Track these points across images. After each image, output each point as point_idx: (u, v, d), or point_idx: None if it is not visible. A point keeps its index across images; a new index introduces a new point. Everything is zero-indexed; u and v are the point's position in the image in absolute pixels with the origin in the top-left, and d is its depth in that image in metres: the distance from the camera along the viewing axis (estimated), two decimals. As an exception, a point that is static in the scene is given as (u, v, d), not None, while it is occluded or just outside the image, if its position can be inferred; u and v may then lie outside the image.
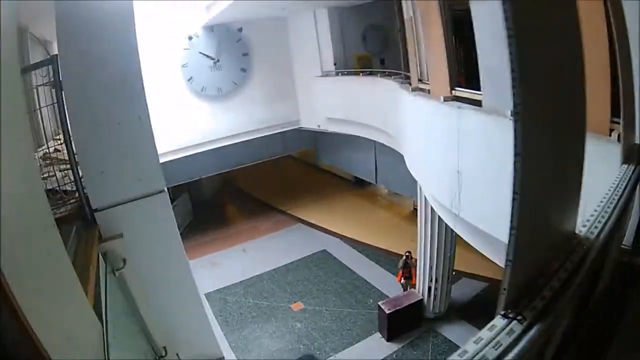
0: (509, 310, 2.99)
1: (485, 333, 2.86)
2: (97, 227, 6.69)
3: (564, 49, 3.32)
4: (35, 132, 8.20)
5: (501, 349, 2.73)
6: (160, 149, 17.81)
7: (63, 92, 6.31)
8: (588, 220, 4.06)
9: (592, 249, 3.63)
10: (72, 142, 6.54)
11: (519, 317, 2.92)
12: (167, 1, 17.83)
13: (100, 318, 4.67)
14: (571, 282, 3.25)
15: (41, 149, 8.30)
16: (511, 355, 2.70)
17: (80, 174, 6.71)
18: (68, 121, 6.43)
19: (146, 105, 7.17)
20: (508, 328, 2.89)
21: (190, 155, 20.54)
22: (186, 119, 20.21)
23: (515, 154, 2.81)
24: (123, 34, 6.88)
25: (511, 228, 2.97)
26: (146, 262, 7.42)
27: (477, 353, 2.68)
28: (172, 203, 22.50)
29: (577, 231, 3.91)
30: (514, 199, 2.91)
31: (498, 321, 2.97)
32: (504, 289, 3.02)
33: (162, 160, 18.35)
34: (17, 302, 2.50)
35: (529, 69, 2.74)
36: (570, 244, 3.73)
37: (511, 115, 7.19)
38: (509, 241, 2.99)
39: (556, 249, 3.62)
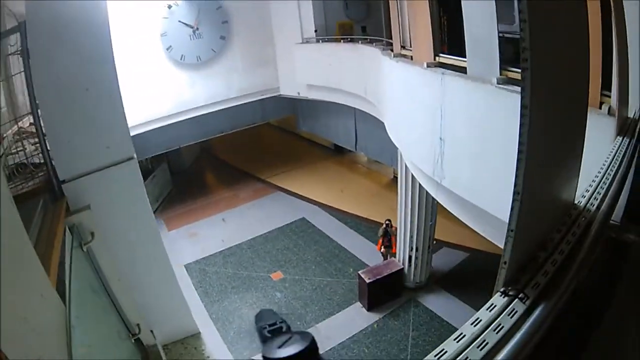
0: (510, 287, 2.81)
1: (484, 313, 2.66)
2: (64, 200, 6.53)
3: (570, 13, 3.17)
4: (10, 106, 8.01)
5: (502, 332, 2.52)
6: (138, 119, 17.68)
7: (30, 60, 6.12)
8: (587, 191, 3.94)
9: (594, 221, 3.48)
10: (39, 111, 6.37)
11: (520, 295, 2.73)
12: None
13: (63, 297, 4.51)
14: (574, 257, 3.07)
15: (17, 123, 8.11)
16: (514, 340, 2.46)
17: (48, 145, 6.53)
18: (34, 89, 6.26)
19: (115, 71, 6.98)
20: (510, 308, 2.69)
21: (169, 125, 20.31)
22: (165, 88, 19.99)
23: (523, 107, 2.60)
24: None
25: (515, 193, 2.78)
26: (116, 234, 7.29)
27: (476, 337, 2.49)
28: (151, 174, 22.42)
29: (576, 201, 3.77)
30: (519, 158, 2.68)
31: (498, 299, 2.78)
32: (505, 263, 2.82)
33: (140, 130, 18.30)
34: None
35: (537, 18, 2.57)
36: (570, 214, 3.59)
37: (498, 83, 7.10)
38: (512, 208, 2.79)
39: (556, 219, 3.47)
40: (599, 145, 4.95)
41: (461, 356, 2.42)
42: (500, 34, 7.48)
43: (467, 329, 2.58)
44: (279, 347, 11.83)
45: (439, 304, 15.98)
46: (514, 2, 7.62)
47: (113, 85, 7.00)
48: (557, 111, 3.09)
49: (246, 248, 21.03)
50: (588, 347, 3.17)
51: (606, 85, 5.87)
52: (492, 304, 2.75)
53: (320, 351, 14.01)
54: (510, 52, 7.52)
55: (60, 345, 4.10)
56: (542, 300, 2.70)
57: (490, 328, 2.57)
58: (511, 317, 2.62)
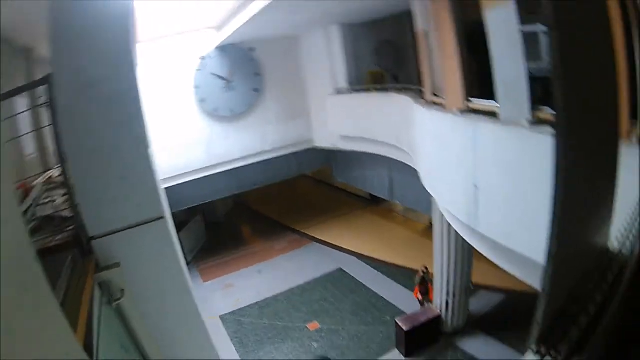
0: (542, 345, 2.70)
1: None
2: (93, 256, 6.53)
3: (599, 48, 3.13)
4: (42, 154, 8.10)
5: None
6: (173, 172, 17.90)
7: (57, 112, 6.19)
8: (620, 233, 3.81)
9: (628, 265, 3.30)
10: (68, 166, 6.42)
11: (552, 353, 2.63)
12: (178, 22, 17.70)
13: (91, 354, 4.51)
14: (609, 306, 2.90)
15: (47, 172, 8.21)
16: None
17: (77, 200, 6.58)
18: (63, 143, 6.31)
19: (145, 128, 7.02)
20: None
21: (203, 177, 20.53)
22: (199, 141, 20.23)
23: (558, 169, 2.56)
24: (120, 52, 6.66)
25: (549, 255, 2.72)
26: (146, 292, 7.23)
27: None
28: (185, 225, 22.54)
29: (610, 245, 3.68)
30: (553, 221, 2.64)
31: (530, 357, 2.69)
32: (537, 322, 2.76)
33: (175, 182, 18.53)
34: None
35: (569, 67, 2.55)
36: (603, 261, 3.40)
37: (529, 124, 7.06)
38: (546, 269, 2.73)
39: (589, 267, 3.31)
40: (631, 179, 4.87)
41: None
42: (529, 72, 7.42)
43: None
44: None
45: (478, 347, 15.81)
46: (540, 37, 7.62)
47: (144, 144, 6.99)
48: (591, 159, 3.04)
49: (282, 299, 21.00)
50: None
51: (632, 112, 5.72)
52: (525, 364, 2.62)
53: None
54: (538, 91, 7.47)
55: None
56: (574, 355, 2.61)
57: (522, 388, 2.46)
58: (544, 377, 2.48)
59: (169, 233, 7.68)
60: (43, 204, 7.19)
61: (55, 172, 8.31)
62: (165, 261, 7.64)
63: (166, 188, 15.74)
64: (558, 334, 2.76)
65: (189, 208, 22.55)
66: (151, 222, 7.23)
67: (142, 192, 7.14)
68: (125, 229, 6.94)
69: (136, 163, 6.98)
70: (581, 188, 2.86)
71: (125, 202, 6.93)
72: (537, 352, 2.70)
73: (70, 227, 6.67)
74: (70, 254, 6.13)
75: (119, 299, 6.41)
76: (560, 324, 2.84)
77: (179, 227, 22.27)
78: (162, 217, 7.39)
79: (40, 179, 8.10)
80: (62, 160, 6.38)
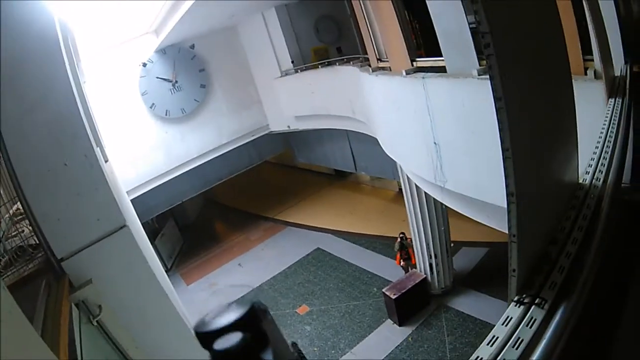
0: (524, 294, 2.55)
1: (499, 329, 2.40)
2: (66, 277, 6.45)
3: None
4: (4, 189, 7.99)
5: (523, 346, 2.26)
6: (137, 182, 17.65)
7: (5, 143, 6.09)
8: (590, 165, 3.69)
9: (604, 196, 3.23)
10: (24, 193, 6.34)
11: (537, 300, 2.47)
12: (118, 32, 17.42)
13: None
14: (590, 241, 2.80)
15: (12, 206, 8.09)
16: (537, 352, 2.21)
17: (40, 225, 6.49)
18: (15, 172, 6.23)
19: (90, 142, 6.96)
20: (527, 317, 2.42)
21: (167, 181, 20.32)
22: (156, 146, 20.05)
23: (496, 99, 2.41)
24: (54, 74, 6.59)
25: (508, 195, 2.56)
26: (123, 302, 7.18)
27: (494, 359, 2.26)
28: (159, 233, 22.28)
29: (580, 180, 3.58)
30: (505, 157, 2.47)
31: (513, 310, 2.52)
32: (513, 270, 2.58)
33: (140, 192, 18.33)
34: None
35: (497, 13, 2.44)
36: (576, 196, 3.34)
37: (478, 74, 7.02)
38: (509, 211, 2.59)
39: (562, 206, 3.22)
40: (593, 113, 4.83)
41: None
42: (471, 25, 7.40)
43: (484, 351, 2.34)
44: (212, 318, 11.31)
45: (468, 303, 15.90)
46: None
47: (92, 157, 6.95)
48: (537, 93, 2.93)
49: (267, 288, 20.96)
50: (621, 332, 2.96)
51: (586, 49, 5.76)
52: (508, 317, 2.50)
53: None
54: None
55: None
56: (562, 300, 2.46)
57: (508, 345, 2.32)
58: (530, 327, 2.37)
59: (133, 240, 7.65)
60: (12, 236, 7.08)
61: (19, 204, 8.21)
62: (134, 268, 7.63)
63: (133, 199, 15.58)
64: (540, 280, 2.65)
65: (159, 215, 22.39)
66: (114, 232, 7.19)
67: (99, 205, 7.10)
68: (90, 245, 6.89)
69: (87, 178, 6.94)
70: (528, 126, 2.73)
71: (85, 218, 6.88)
72: (519, 302, 2.56)
73: (41, 254, 6.61)
74: (44, 280, 6.09)
75: (98, 315, 6.33)
76: (541, 269, 2.72)
77: (154, 235, 22.17)
78: (124, 226, 7.32)
79: (7, 214, 7.98)
80: (19, 188, 6.29)
